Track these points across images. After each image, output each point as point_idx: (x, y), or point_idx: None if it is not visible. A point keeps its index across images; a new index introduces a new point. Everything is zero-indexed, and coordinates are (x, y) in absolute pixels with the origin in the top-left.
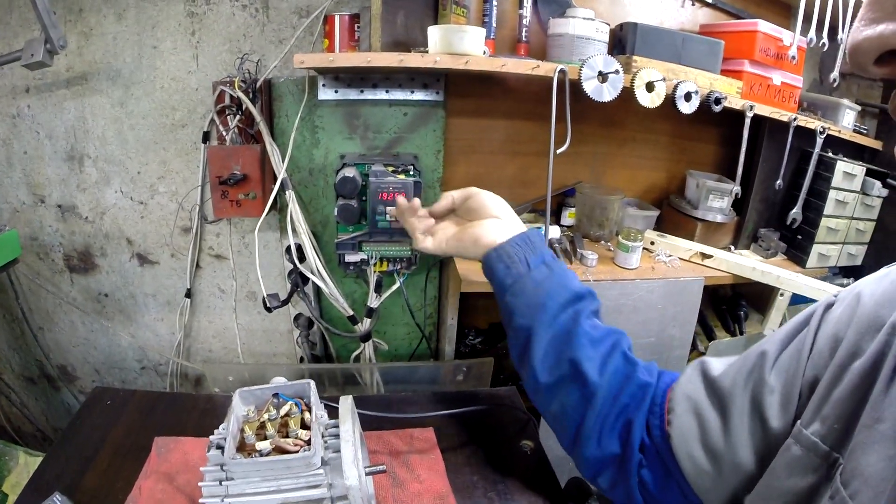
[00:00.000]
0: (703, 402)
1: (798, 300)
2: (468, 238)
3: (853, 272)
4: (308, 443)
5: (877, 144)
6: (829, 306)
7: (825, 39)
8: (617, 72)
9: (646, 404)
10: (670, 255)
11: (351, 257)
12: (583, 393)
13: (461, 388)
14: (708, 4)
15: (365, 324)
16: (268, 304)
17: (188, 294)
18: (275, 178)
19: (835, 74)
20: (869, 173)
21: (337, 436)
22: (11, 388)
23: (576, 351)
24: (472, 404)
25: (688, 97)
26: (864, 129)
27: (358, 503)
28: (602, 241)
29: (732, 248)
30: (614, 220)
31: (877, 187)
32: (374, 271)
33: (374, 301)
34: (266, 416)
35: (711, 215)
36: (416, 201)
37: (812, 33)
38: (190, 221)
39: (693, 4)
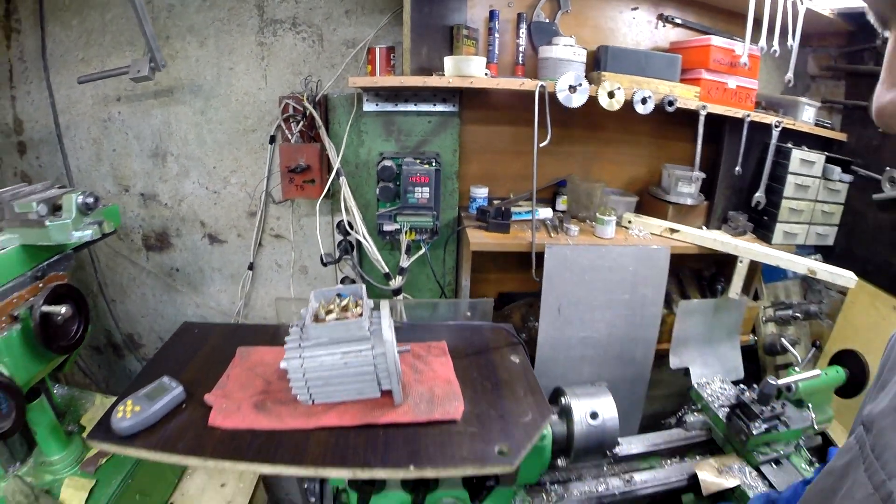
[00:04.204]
0: None
1: (771, 276)
2: None
3: (829, 251)
4: (360, 315)
5: (841, 136)
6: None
7: (776, 47)
8: (581, 85)
9: None
10: (642, 231)
11: (388, 227)
12: None
13: (469, 321)
14: (678, 24)
15: (397, 280)
16: (324, 261)
17: (251, 267)
18: (330, 170)
19: (789, 76)
20: (830, 161)
21: (380, 317)
22: (79, 355)
23: None
24: (478, 330)
25: (644, 101)
26: (828, 123)
27: (392, 355)
28: (587, 221)
29: (704, 227)
30: (597, 204)
31: (836, 173)
32: (406, 238)
33: (404, 262)
34: (333, 305)
35: (682, 199)
36: None
37: (763, 42)
38: (255, 207)
39: (664, 25)
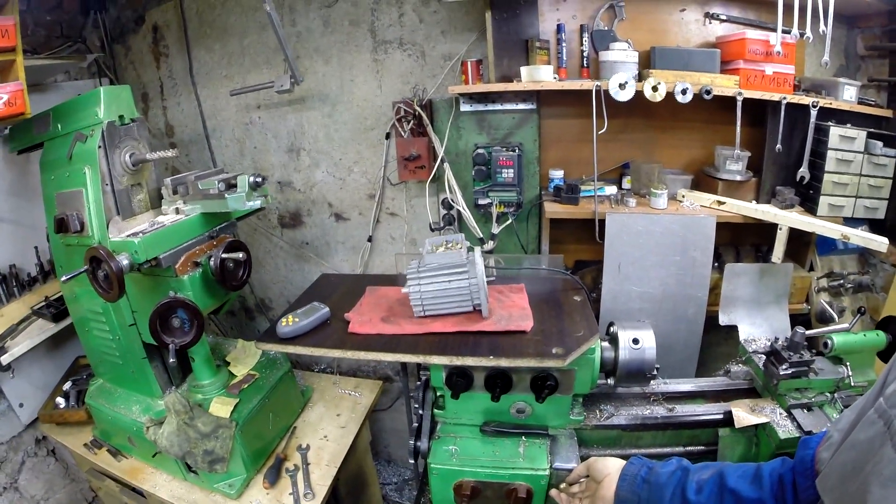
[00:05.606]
0: None
1: (826, 250)
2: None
3: (880, 224)
4: (460, 250)
5: (887, 113)
6: None
7: (809, 33)
8: (628, 82)
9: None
10: (693, 203)
11: (482, 201)
12: None
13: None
14: (724, 20)
15: (489, 244)
16: (432, 228)
17: (370, 239)
18: (436, 157)
19: (825, 59)
20: (872, 136)
21: (474, 253)
22: (215, 318)
23: None
24: (549, 278)
25: (683, 92)
26: (872, 101)
27: (481, 277)
28: (646, 196)
29: (755, 201)
30: (655, 182)
31: (878, 147)
32: (496, 210)
33: (495, 228)
34: (442, 245)
35: (730, 176)
36: (561, 488)
37: (795, 30)
38: (374, 190)
39: (711, 23)
